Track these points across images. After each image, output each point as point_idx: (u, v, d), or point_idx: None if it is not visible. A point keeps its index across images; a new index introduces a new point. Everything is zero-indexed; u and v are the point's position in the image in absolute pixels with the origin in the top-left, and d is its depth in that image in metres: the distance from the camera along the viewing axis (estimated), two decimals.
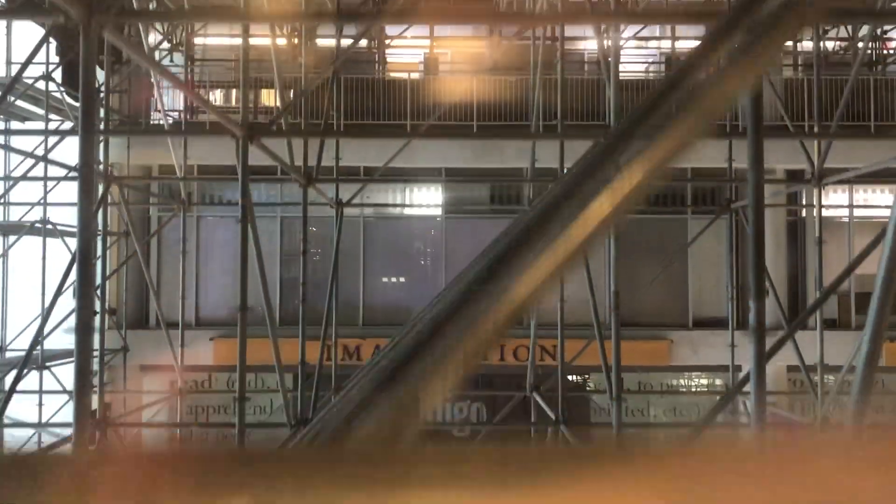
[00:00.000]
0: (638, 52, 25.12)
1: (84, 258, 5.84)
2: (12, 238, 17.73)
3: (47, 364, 17.00)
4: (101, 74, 15.04)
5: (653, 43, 25.47)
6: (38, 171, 16.65)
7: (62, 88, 17.36)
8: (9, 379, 13.47)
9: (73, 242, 15.02)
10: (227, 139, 19.11)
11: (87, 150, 5.62)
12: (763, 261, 5.09)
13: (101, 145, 14.65)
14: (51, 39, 17.58)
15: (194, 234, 20.37)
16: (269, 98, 22.96)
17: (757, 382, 5.40)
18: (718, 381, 20.50)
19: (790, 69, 23.34)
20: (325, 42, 21.61)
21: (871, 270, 17.59)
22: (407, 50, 25.18)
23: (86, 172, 5.67)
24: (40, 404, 17.34)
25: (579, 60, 23.75)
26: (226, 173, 19.07)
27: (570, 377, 19.90)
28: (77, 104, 7.91)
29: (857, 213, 20.18)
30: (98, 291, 13.86)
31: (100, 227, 14.93)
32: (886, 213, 21.30)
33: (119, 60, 18.62)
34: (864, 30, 22.91)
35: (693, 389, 21.52)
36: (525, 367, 16.84)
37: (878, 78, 20.95)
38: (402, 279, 21.22)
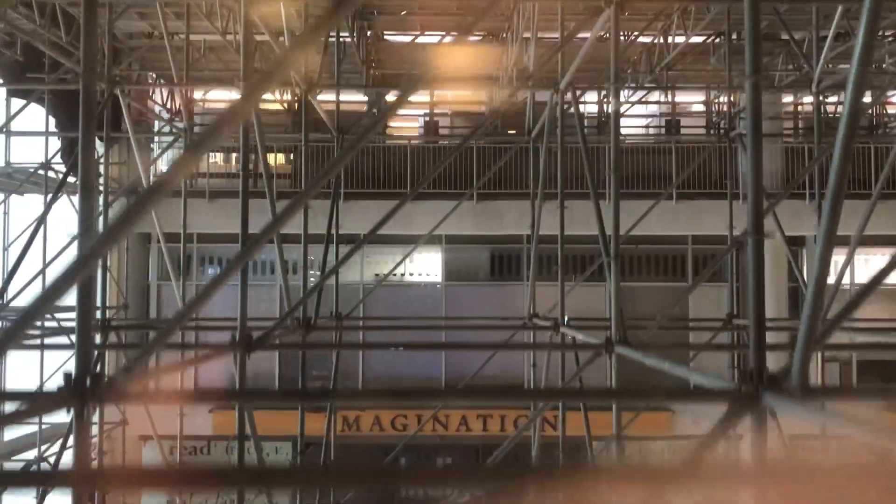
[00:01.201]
0: (637, 113, 25.17)
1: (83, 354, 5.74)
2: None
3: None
4: (100, 146, 15.08)
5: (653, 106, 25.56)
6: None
7: (62, 166, 17.39)
8: None
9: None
10: (229, 206, 19.19)
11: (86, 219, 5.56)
12: (764, 324, 5.02)
13: (101, 218, 14.60)
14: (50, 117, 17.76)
15: None
16: (271, 159, 23.04)
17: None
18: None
19: (791, 134, 23.47)
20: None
21: (873, 339, 17.38)
22: (407, 110, 25.25)
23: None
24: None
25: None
26: (226, 240, 19.12)
27: None
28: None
29: (858, 279, 19.99)
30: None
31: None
32: (887, 279, 21.30)
33: (118, 128, 18.63)
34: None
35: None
36: (527, 438, 16.66)
37: (879, 144, 20.95)
38: (401, 348, 21.03)
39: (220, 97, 23.50)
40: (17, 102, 18.37)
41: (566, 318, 11.75)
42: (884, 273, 4.54)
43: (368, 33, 19.77)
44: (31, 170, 16.89)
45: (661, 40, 18.46)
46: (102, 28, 12.65)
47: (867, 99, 24.07)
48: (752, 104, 4.87)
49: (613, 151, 8.60)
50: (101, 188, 14.52)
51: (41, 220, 13.17)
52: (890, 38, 17.99)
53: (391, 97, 24.41)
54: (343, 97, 16.78)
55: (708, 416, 18.91)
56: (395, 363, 21.07)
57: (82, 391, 4.95)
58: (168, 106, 20.76)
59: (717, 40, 18.83)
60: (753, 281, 4.98)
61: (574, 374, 10.89)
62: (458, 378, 19.69)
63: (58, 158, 17.68)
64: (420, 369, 20.73)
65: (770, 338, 12.35)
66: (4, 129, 17.42)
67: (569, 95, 11.52)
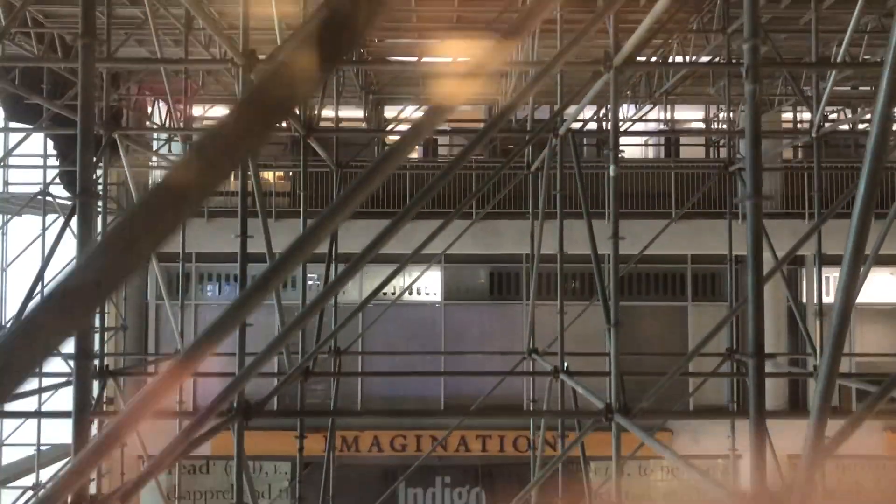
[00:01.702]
0: (636, 130, 25.19)
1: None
2: None
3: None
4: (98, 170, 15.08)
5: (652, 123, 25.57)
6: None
7: (58, 199, 17.42)
8: None
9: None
10: (227, 225, 19.16)
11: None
12: (763, 347, 4.99)
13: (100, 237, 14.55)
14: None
15: (192, 321, 20.22)
16: (269, 175, 23.09)
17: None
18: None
19: (790, 153, 23.45)
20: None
21: (871, 357, 17.42)
22: (406, 127, 25.24)
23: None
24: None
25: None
26: (225, 259, 19.13)
27: None
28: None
29: (858, 298, 19.95)
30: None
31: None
32: (888, 297, 21.35)
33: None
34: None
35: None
36: (525, 458, 16.66)
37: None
38: (401, 367, 20.91)
39: (220, 114, 23.57)
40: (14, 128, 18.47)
41: (566, 365, 11.86)
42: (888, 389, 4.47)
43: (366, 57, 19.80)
44: (30, 195, 16.89)
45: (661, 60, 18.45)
46: (101, 53, 12.63)
47: (866, 117, 24.14)
48: (753, 228, 4.78)
49: (613, 220, 8.53)
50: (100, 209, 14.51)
51: (49, 255, 13.13)
52: None
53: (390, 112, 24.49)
54: (342, 114, 16.85)
55: (707, 433, 18.97)
56: (394, 384, 20.98)
57: None
58: (167, 125, 20.74)
59: (718, 59, 18.83)
60: (753, 417, 4.91)
61: (574, 440, 10.96)
62: (456, 398, 19.67)
63: (56, 182, 17.68)
64: (419, 390, 20.65)
65: (769, 367, 12.28)
66: (2, 163, 17.45)
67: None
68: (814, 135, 12.56)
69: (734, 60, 15.44)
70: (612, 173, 8.40)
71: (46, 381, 13.95)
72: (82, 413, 5.77)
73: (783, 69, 16.02)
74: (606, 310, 9.06)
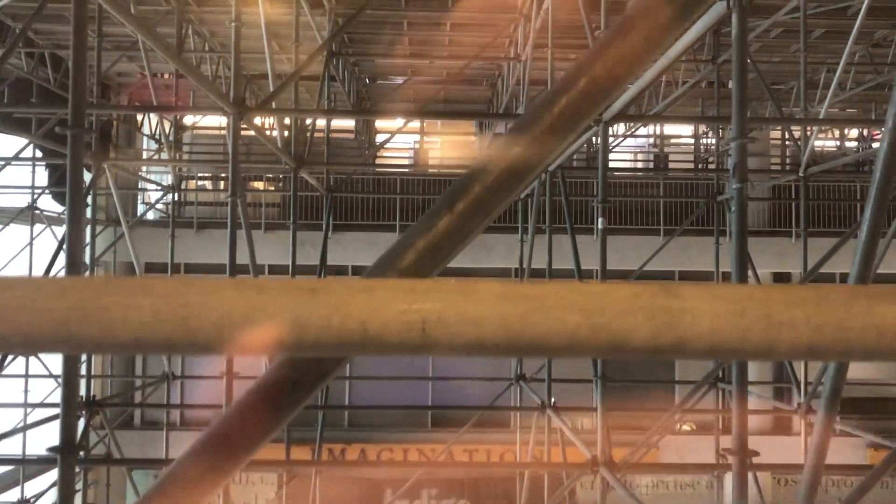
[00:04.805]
0: (625, 146, 25.28)
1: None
2: None
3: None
4: (87, 175, 15.08)
5: (640, 139, 25.66)
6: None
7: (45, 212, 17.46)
8: None
9: None
10: (216, 236, 19.14)
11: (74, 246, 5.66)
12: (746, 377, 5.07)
13: (87, 249, 14.51)
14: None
15: None
16: (258, 184, 23.10)
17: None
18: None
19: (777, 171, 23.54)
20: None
21: (857, 375, 17.41)
22: (398, 138, 25.27)
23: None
24: (26, 391, 17.52)
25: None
26: (214, 271, 19.07)
27: None
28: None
29: None
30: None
31: None
32: None
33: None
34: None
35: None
36: (512, 472, 16.68)
37: (865, 183, 20.92)
38: (388, 379, 20.82)
39: (211, 123, 23.58)
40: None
41: (553, 400, 12.13)
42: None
43: (358, 74, 19.93)
44: (18, 209, 16.91)
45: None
46: (92, 69, 12.68)
47: (853, 133, 24.28)
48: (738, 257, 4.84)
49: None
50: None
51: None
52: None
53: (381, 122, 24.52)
54: (333, 124, 16.92)
55: (692, 450, 19.01)
56: (382, 394, 20.93)
57: None
58: (157, 136, 20.74)
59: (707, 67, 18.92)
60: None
61: (561, 489, 11.18)
62: (443, 411, 19.62)
63: (41, 199, 17.67)
64: (407, 399, 20.60)
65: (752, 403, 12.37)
66: None
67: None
68: (801, 174, 12.72)
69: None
70: (599, 226, 8.58)
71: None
72: None
73: (773, 123, 16.25)
74: (594, 362, 9.24)
